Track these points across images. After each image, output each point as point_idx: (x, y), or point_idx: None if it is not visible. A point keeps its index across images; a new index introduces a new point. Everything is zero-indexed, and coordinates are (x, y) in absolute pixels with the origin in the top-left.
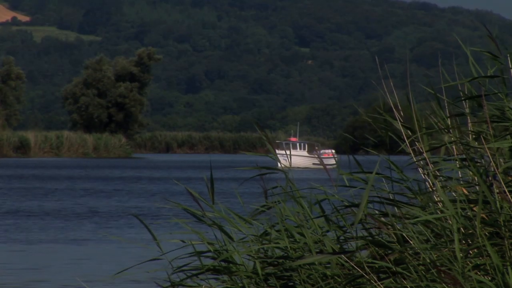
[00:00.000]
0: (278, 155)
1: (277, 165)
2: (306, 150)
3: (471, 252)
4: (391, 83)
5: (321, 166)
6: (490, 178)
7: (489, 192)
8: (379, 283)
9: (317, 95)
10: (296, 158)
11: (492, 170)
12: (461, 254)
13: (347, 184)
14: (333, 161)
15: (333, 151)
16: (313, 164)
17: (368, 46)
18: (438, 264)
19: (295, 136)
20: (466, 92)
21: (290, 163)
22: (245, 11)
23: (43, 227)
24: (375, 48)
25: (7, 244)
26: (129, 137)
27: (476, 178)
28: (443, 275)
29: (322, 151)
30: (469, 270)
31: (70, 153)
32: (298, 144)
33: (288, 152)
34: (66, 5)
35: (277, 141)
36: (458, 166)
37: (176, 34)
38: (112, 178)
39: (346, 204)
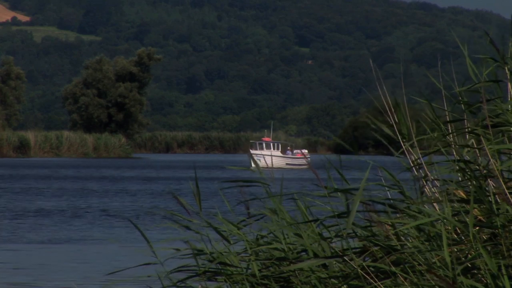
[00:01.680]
0: (253, 155)
1: (251, 165)
2: (280, 150)
3: (470, 254)
4: (383, 87)
5: (294, 166)
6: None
7: (483, 193)
8: (379, 283)
9: (317, 95)
10: (270, 158)
11: (491, 171)
12: (460, 256)
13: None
14: (305, 162)
15: (306, 151)
16: (286, 164)
17: (368, 46)
18: (433, 267)
19: (268, 136)
20: (464, 96)
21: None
22: (245, 11)
23: (41, 227)
24: (375, 48)
25: (5, 244)
26: (129, 137)
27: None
28: (437, 278)
29: (295, 151)
30: (459, 274)
31: (70, 153)
32: (271, 144)
33: (262, 152)
34: (66, 5)
35: (251, 141)
36: (454, 169)
37: (176, 34)
38: (112, 178)
39: (335, 213)
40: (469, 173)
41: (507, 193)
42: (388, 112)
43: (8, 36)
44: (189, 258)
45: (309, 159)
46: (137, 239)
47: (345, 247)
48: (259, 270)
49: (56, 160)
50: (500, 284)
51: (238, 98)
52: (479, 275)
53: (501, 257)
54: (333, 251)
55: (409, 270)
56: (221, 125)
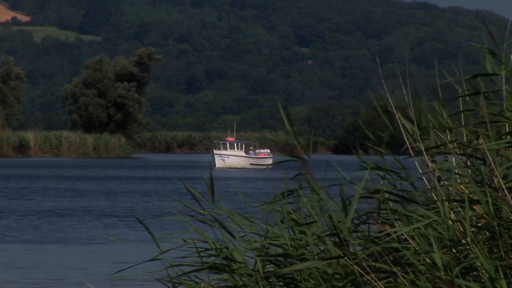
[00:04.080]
0: (216, 155)
1: (215, 165)
2: (243, 150)
3: (468, 256)
4: (400, 80)
5: (258, 166)
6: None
7: (481, 193)
8: (379, 282)
9: (317, 95)
10: (233, 158)
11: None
12: (460, 257)
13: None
14: (269, 161)
15: (269, 151)
16: (250, 164)
17: (368, 46)
18: (431, 268)
19: (231, 135)
20: (466, 92)
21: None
22: (245, 11)
23: (45, 227)
24: (375, 48)
25: (10, 244)
26: (128, 136)
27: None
28: (438, 280)
29: (257, 150)
30: (457, 276)
31: (70, 153)
32: (235, 144)
33: (226, 152)
34: (66, 5)
35: (214, 141)
36: (458, 165)
37: (176, 34)
38: (111, 178)
39: (367, 194)
40: (472, 170)
41: (507, 194)
42: (397, 109)
43: (8, 36)
44: (194, 253)
45: (271, 159)
46: (144, 238)
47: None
48: (263, 266)
49: (56, 160)
50: (498, 286)
51: (238, 98)
52: (479, 277)
53: (498, 259)
54: (336, 245)
55: (409, 270)
56: (221, 125)
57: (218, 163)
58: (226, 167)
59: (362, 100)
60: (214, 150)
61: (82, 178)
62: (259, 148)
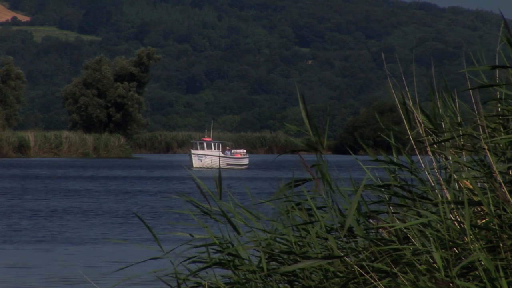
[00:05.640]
0: (193, 155)
1: (192, 165)
2: (220, 150)
3: (468, 255)
4: (418, 82)
5: (235, 167)
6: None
7: (481, 193)
8: (379, 282)
9: (317, 95)
10: (210, 158)
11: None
12: (460, 256)
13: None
14: (246, 161)
15: (245, 151)
16: (227, 164)
17: (368, 46)
18: (431, 269)
19: (208, 135)
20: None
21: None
22: (245, 11)
23: (48, 227)
24: (375, 48)
25: (13, 245)
26: (128, 136)
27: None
28: (434, 280)
29: (233, 150)
30: (455, 276)
31: (70, 153)
32: (212, 144)
33: (202, 152)
34: (66, 5)
35: (191, 141)
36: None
37: (176, 34)
38: (113, 178)
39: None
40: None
41: (507, 193)
42: (400, 110)
43: (8, 36)
44: (198, 248)
45: (247, 159)
46: (148, 238)
47: (347, 246)
48: (269, 261)
49: (56, 160)
50: (498, 286)
51: (238, 98)
52: (479, 276)
53: (498, 259)
54: (339, 246)
55: (409, 270)
56: (221, 125)
57: (195, 163)
58: (203, 167)
59: (362, 100)
60: (192, 150)
61: (80, 178)
62: (236, 148)
